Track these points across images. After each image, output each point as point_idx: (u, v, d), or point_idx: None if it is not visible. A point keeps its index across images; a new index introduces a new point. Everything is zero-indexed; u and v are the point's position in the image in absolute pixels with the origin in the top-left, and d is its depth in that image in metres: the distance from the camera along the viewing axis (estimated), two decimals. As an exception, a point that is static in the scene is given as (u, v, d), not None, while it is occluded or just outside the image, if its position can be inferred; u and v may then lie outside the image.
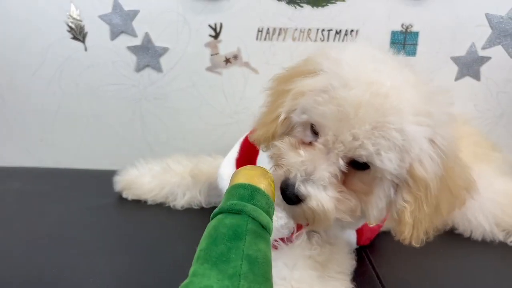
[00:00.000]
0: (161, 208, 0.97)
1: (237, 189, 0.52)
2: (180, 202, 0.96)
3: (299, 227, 0.71)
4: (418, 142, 0.56)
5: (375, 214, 0.60)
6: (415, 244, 0.62)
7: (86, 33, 1.12)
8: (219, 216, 0.49)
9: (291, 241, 0.71)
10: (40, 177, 1.14)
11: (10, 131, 1.22)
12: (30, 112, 1.20)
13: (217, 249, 0.46)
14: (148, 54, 1.14)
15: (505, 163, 0.97)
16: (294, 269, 0.65)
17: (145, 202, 0.98)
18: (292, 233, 0.71)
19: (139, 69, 1.15)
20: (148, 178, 0.98)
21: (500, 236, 0.88)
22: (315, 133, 0.61)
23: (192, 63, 1.15)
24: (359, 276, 0.73)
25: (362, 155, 0.55)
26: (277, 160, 0.62)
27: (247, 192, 0.51)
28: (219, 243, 0.46)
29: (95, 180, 1.11)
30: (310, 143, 0.61)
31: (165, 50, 1.14)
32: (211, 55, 1.14)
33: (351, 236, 0.76)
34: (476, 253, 0.86)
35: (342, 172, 0.59)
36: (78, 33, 1.13)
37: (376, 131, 0.54)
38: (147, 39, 1.13)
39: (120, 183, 0.99)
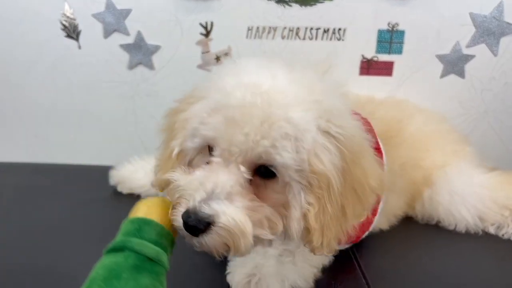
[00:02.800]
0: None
1: (126, 225, 0.52)
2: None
3: None
4: (309, 129, 0.54)
5: (295, 226, 0.56)
6: (328, 253, 0.59)
7: (80, 31, 1.15)
8: (104, 256, 0.50)
9: None
10: (35, 172, 1.17)
11: (5, 127, 1.24)
12: (25, 109, 1.22)
13: None
14: (141, 52, 1.16)
15: (476, 156, 1.01)
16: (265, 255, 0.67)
17: (138, 196, 1.01)
18: None
19: (131, 66, 1.17)
20: (141, 174, 1.01)
21: (490, 230, 0.92)
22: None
23: (184, 61, 1.17)
24: (342, 266, 0.77)
25: (259, 153, 0.53)
26: (174, 195, 0.56)
27: (134, 226, 0.51)
28: (93, 285, 0.45)
29: (89, 175, 1.14)
30: (208, 163, 0.57)
31: (157, 48, 1.16)
32: (202, 53, 1.16)
33: None
34: (459, 244, 0.89)
35: (252, 184, 0.55)
36: (72, 32, 1.15)
37: (266, 125, 0.52)
38: (139, 38, 1.15)
39: (115, 177, 1.03)
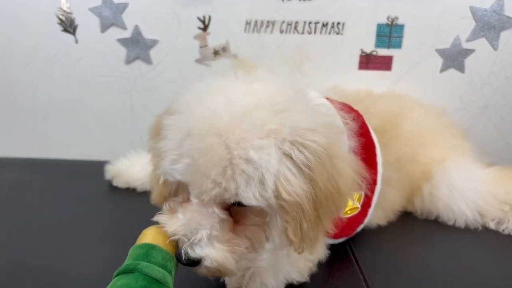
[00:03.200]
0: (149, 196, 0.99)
1: (134, 250, 0.57)
2: None
3: None
4: (270, 165, 0.54)
5: (277, 241, 0.60)
6: (310, 253, 0.63)
7: (77, 25, 1.14)
8: (115, 279, 0.53)
9: None
10: (34, 168, 1.17)
11: (3, 122, 1.24)
12: (23, 104, 1.22)
13: None
14: (138, 47, 1.15)
15: (475, 150, 1.01)
16: None
17: (134, 189, 1.01)
18: None
19: (129, 61, 1.17)
20: (137, 168, 1.01)
21: (491, 225, 0.92)
22: None
23: (182, 55, 1.16)
24: (338, 261, 0.77)
25: (228, 198, 0.55)
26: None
27: (142, 251, 0.55)
28: None
29: (86, 171, 1.14)
30: (188, 200, 0.60)
31: (154, 42, 1.15)
32: (200, 47, 1.16)
33: None
34: (458, 239, 0.89)
35: (232, 212, 0.59)
36: (68, 26, 1.14)
37: (229, 170, 0.53)
38: (136, 32, 1.14)
39: (111, 171, 1.04)
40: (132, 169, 1.02)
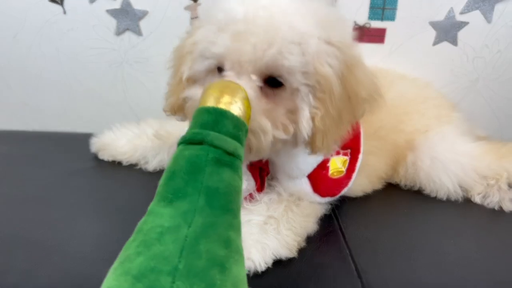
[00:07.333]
0: (139, 170, 0.99)
1: (201, 115, 0.49)
2: (151, 165, 0.98)
3: (259, 188, 0.75)
4: (312, 35, 0.60)
5: (305, 126, 0.63)
6: (326, 153, 0.67)
7: (64, -5, 1.11)
8: (180, 147, 0.47)
9: (252, 198, 0.76)
10: (26, 141, 1.16)
11: (-6, 95, 1.23)
12: (13, 76, 1.21)
13: (173, 184, 0.44)
14: (128, 18, 1.13)
15: (463, 123, 1.01)
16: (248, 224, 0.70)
17: (120, 163, 1.01)
18: (251, 194, 0.75)
19: (119, 32, 1.15)
20: (122, 142, 1.00)
21: (476, 199, 0.92)
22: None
23: (172, 26, 1.14)
24: (325, 236, 0.78)
25: (267, 61, 0.58)
26: (193, 110, 0.62)
27: (211, 118, 0.48)
28: (176, 177, 0.44)
29: (78, 143, 1.13)
30: None
31: (144, 13, 1.13)
32: (191, 18, 1.14)
33: (304, 185, 0.78)
34: (442, 212, 0.90)
35: (262, 93, 0.61)
36: (55, -5, 1.11)
37: (271, 34, 0.58)
38: (126, 3, 1.12)
39: (96, 144, 1.02)
40: (117, 142, 1.00)
